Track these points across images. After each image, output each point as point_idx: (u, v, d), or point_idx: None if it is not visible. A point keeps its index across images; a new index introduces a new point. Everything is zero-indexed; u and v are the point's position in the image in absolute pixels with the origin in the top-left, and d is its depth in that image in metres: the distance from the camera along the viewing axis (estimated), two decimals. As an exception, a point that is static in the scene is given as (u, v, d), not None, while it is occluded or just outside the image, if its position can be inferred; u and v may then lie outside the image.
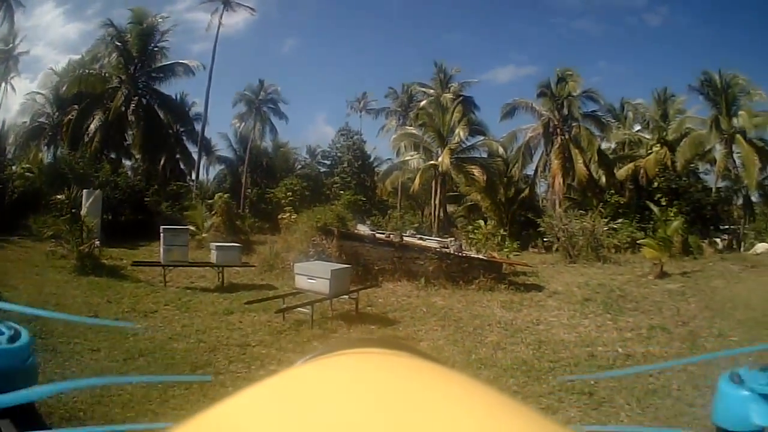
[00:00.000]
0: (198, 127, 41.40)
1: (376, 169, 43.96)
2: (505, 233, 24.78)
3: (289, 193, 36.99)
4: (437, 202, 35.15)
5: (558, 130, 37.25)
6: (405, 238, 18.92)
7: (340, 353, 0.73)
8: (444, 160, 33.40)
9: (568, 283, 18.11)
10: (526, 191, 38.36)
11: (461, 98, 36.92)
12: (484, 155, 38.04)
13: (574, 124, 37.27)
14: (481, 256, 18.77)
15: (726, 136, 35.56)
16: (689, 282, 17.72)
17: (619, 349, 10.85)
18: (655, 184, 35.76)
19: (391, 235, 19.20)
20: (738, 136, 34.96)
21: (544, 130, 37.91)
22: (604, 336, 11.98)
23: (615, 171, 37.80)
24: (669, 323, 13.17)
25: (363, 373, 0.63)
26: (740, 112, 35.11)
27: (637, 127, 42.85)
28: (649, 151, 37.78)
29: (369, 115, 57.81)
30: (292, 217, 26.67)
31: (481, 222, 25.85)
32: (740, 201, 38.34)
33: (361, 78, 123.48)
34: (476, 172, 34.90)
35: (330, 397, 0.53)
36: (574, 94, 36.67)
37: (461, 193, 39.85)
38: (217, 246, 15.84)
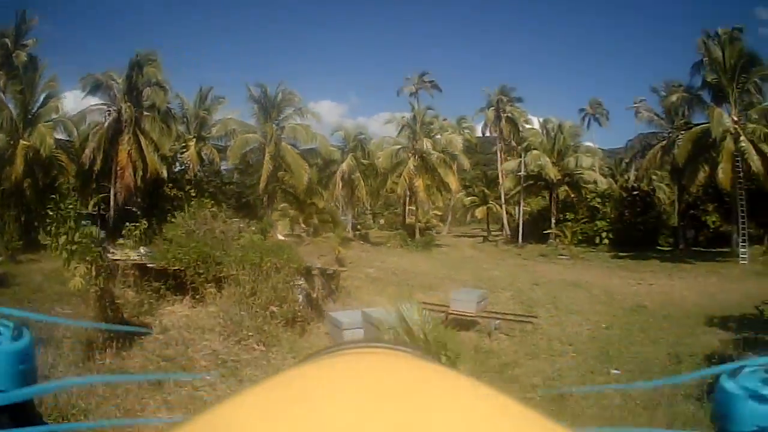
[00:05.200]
0: None
1: None
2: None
3: None
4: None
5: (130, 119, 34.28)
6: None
7: (340, 353, 0.74)
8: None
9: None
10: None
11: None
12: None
13: (147, 114, 35.13)
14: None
15: (275, 141, 40.06)
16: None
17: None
18: (188, 176, 38.40)
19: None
20: (284, 144, 40.10)
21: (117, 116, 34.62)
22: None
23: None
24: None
25: (363, 373, 0.65)
26: (295, 125, 40.55)
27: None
28: (184, 145, 39.46)
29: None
30: None
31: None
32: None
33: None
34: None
35: (330, 397, 0.54)
36: (154, 81, 34.76)
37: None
38: None
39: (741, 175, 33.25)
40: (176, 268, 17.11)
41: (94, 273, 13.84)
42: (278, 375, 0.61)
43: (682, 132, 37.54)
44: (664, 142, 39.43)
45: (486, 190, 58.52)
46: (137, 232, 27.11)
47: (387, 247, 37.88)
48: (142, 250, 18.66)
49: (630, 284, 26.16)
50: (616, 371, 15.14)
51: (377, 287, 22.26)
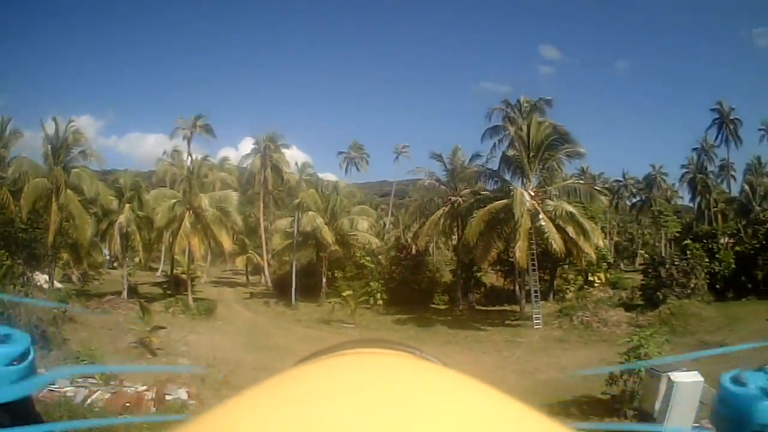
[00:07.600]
0: None
1: None
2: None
3: None
4: None
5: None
6: None
7: (340, 353, 0.76)
8: None
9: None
10: None
11: None
12: None
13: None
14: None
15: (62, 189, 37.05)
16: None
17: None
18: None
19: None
20: (69, 192, 37.05)
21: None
22: None
23: None
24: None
25: (363, 373, 0.66)
26: (81, 170, 38.76)
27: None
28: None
29: None
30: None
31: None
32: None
33: None
34: None
35: (330, 397, 0.55)
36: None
37: None
38: None
39: (534, 248, 32.80)
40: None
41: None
42: (279, 375, 0.62)
43: (464, 197, 38.80)
44: (447, 209, 40.06)
45: (246, 239, 56.90)
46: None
47: (170, 314, 35.61)
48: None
49: (442, 367, 25.89)
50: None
51: (212, 390, 19.57)
